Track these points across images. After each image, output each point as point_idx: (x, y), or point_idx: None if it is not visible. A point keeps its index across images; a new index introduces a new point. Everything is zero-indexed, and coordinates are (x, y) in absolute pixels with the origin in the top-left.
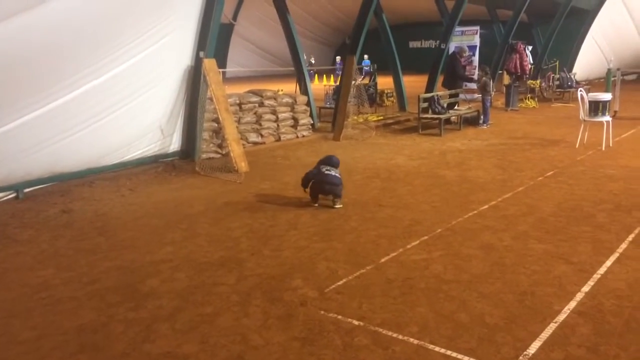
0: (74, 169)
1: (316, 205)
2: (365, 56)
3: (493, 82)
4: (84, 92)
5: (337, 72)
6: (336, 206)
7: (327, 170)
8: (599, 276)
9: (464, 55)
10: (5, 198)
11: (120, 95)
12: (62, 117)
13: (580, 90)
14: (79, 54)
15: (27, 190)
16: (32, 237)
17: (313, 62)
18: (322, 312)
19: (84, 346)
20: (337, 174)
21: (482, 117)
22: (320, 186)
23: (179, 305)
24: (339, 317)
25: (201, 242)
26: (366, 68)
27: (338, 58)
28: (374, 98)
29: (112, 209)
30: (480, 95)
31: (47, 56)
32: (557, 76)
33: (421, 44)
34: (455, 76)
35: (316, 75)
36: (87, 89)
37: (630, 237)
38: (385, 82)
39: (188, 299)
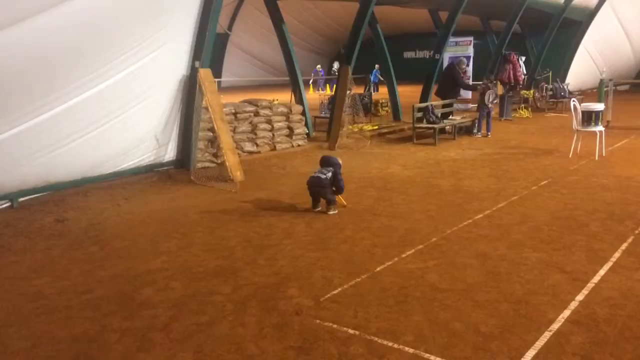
0: (69, 178)
1: (317, 209)
2: (377, 66)
3: (494, 93)
4: (78, 102)
5: (320, 80)
6: (329, 212)
7: (315, 173)
8: (592, 285)
9: (462, 67)
10: (0, 207)
11: (116, 105)
12: (56, 127)
13: (573, 101)
14: (74, 64)
15: (21, 199)
16: (26, 247)
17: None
18: (318, 321)
19: (79, 356)
20: (322, 174)
21: (476, 125)
22: (309, 189)
23: (174, 315)
24: (335, 326)
25: (196, 251)
26: (375, 80)
27: (318, 66)
28: (368, 108)
29: (107, 218)
30: (474, 106)
31: (41, 66)
32: (550, 86)
33: (415, 54)
34: (452, 86)
35: (311, 86)
36: (82, 99)
37: (624, 246)
38: (379, 92)
39: (183, 308)
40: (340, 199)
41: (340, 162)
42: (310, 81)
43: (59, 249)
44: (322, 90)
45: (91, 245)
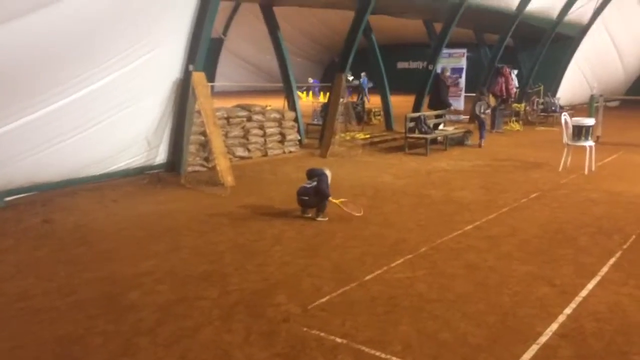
0: (57, 178)
1: (307, 215)
2: (363, 74)
3: (485, 104)
4: (69, 102)
5: (315, 88)
6: (318, 219)
7: (304, 184)
8: (580, 299)
9: (446, 74)
10: None
11: (108, 106)
12: (46, 126)
13: (564, 115)
14: (67, 64)
15: (8, 199)
16: (12, 247)
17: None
18: (305, 328)
19: (62, 358)
20: (308, 185)
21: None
22: (297, 199)
23: (160, 319)
24: (322, 334)
25: (185, 255)
26: (369, 85)
27: (310, 79)
28: (361, 116)
29: (94, 220)
30: (466, 117)
31: (33, 66)
32: (542, 100)
33: (409, 65)
34: (439, 97)
35: (312, 93)
36: (74, 99)
37: (612, 261)
38: (373, 101)
39: (170, 312)
40: (343, 206)
41: (328, 172)
42: (303, 89)
43: (45, 249)
44: (317, 97)
45: (78, 246)
